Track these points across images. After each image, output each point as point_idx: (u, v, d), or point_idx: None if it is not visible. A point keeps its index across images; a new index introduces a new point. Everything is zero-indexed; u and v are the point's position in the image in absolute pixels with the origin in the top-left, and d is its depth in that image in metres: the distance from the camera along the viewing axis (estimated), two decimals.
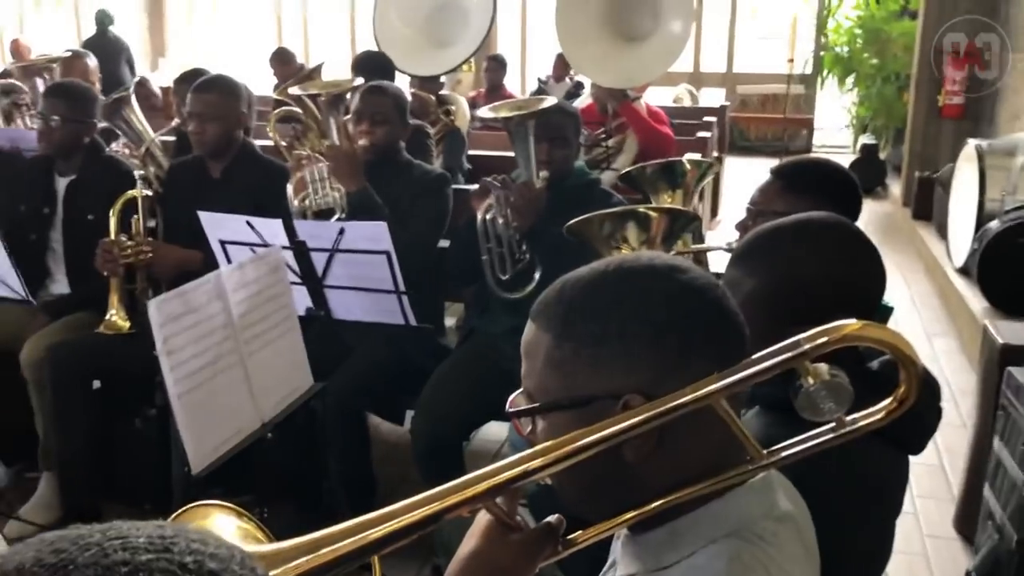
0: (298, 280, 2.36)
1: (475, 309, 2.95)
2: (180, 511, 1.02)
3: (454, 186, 3.75)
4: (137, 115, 4.05)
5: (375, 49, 4.56)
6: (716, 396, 0.88)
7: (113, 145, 3.95)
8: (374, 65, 4.07)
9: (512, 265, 2.75)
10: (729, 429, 0.91)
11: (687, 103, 8.39)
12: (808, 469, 1.00)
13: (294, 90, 3.26)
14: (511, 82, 10.40)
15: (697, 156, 4.51)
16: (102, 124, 3.94)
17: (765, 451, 0.93)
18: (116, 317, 2.93)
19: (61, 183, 3.27)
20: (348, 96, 3.10)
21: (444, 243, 3.06)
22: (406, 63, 4.63)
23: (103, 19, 9.31)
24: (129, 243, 2.97)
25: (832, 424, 0.93)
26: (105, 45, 8.09)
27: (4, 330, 3.08)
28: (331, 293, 2.39)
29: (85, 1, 11.96)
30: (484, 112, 2.88)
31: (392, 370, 2.84)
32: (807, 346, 0.87)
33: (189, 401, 1.75)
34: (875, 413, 0.91)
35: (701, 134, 5.71)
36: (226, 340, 1.86)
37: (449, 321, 3.94)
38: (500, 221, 2.72)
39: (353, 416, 2.73)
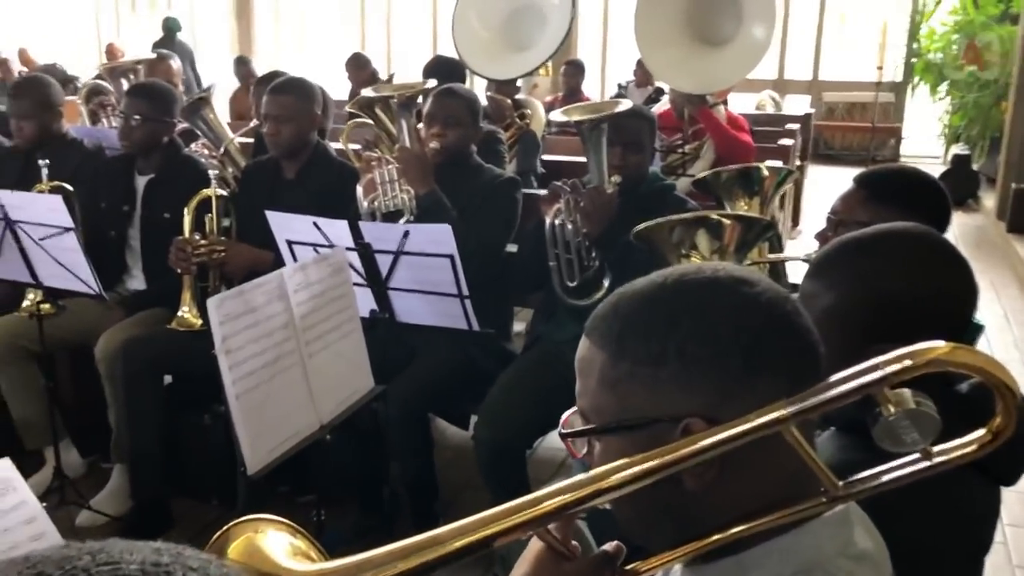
0: (363, 282, 2.34)
1: (542, 315, 2.90)
2: (233, 523, 0.99)
3: (526, 190, 3.71)
4: (216, 116, 4.12)
5: (447, 54, 4.54)
6: (784, 423, 0.80)
7: (192, 145, 4.02)
8: (445, 69, 4.06)
9: (580, 272, 2.69)
10: (800, 458, 0.83)
11: (770, 110, 8.20)
12: (888, 499, 0.91)
13: (367, 92, 3.26)
14: (591, 87, 10.34)
15: (777, 163, 4.39)
16: (182, 125, 4.03)
17: (841, 483, 0.85)
18: (188, 314, 2.96)
19: (140, 181, 3.33)
20: (420, 99, 3.09)
21: (512, 247, 3.02)
22: (483, 66, 4.62)
23: (172, 25, 9.82)
24: (202, 242, 3.00)
25: (916, 455, 0.84)
26: (172, 50, 8.41)
27: (82, 324, 3.14)
28: (395, 296, 2.37)
29: (178, 4, 12.33)
30: (556, 115, 2.83)
31: (456, 374, 2.80)
32: (887, 370, 0.78)
33: (247, 401, 1.73)
34: (966, 445, 0.82)
35: (783, 142, 5.56)
36: (286, 340, 1.84)
37: (518, 326, 3.90)
38: (569, 227, 2.67)
39: (416, 420, 2.70)
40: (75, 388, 3.43)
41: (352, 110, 3.55)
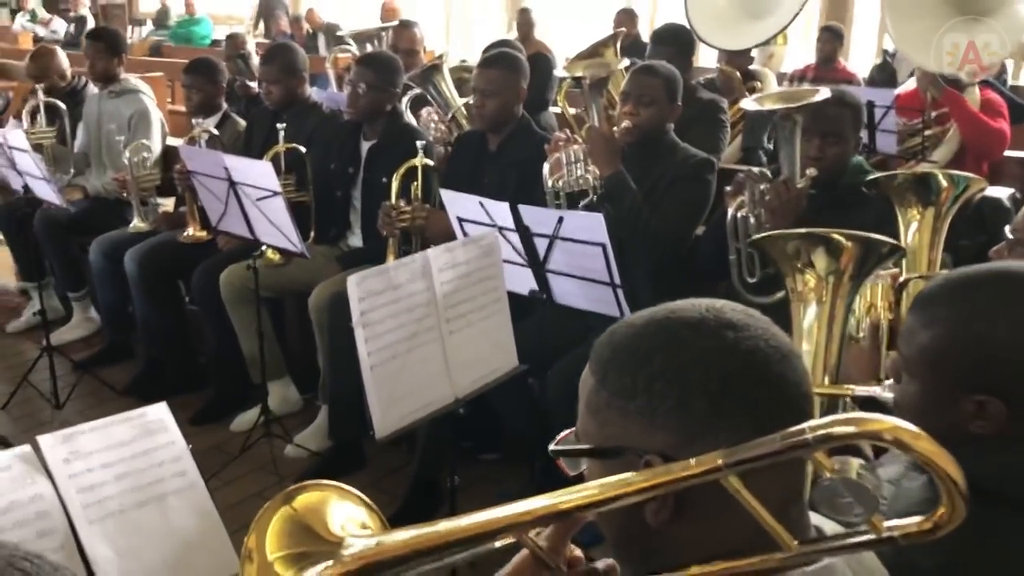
0: (523, 262, 2.41)
1: None
2: (311, 483, 1.12)
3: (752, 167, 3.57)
4: (447, 82, 4.32)
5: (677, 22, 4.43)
6: (722, 472, 0.80)
7: (424, 110, 4.24)
8: (672, 37, 3.98)
9: (761, 268, 2.59)
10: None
11: None
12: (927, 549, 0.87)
13: (560, 72, 3.29)
14: (864, 53, 9.63)
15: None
16: (415, 90, 4.28)
17: (796, 542, 0.82)
18: None
19: (365, 146, 3.59)
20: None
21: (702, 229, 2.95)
22: (714, 35, 4.46)
23: None
24: (407, 208, 3.20)
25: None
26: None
27: (304, 274, 3.47)
28: (552, 278, 2.42)
29: None
30: (748, 104, 2.72)
31: None
32: (810, 436, 0.76)
33: (381, 372, 1.86)
34: (909, 527, 0.78)
35: None
36: (427, 317, 1.95)
37: None
38: (752, 220, 2.57)
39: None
40: (300, 331, 3.80)
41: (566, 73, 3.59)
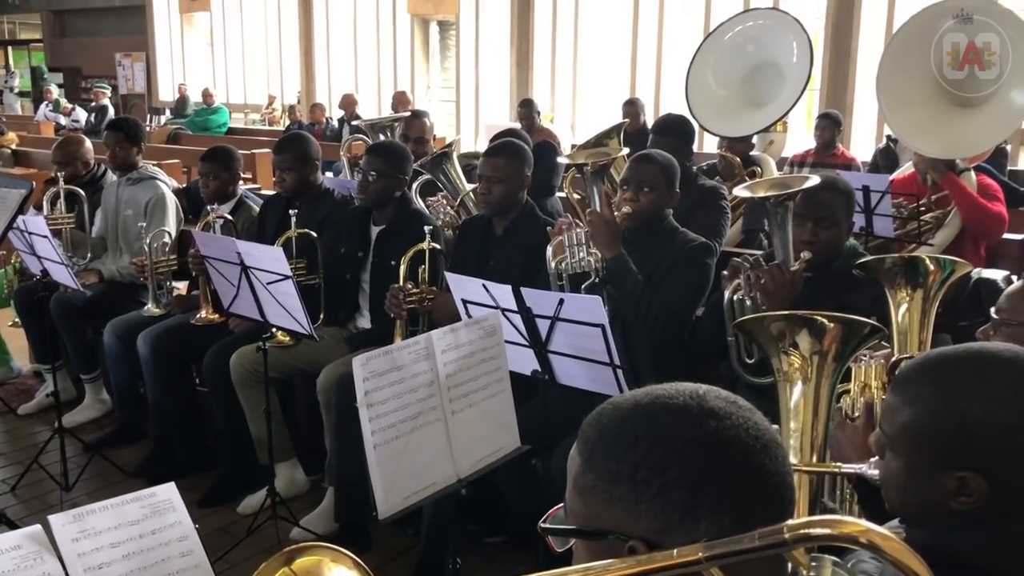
0: (525, 343, 2.47)
1: (722, 385, 2.86)
2: (317, 544, 1.18)
3: (752, 252, 3.65)
4: (456, 169, 4.45)
5: (677, 112, 4.57)
6: (702, 565, 0.82)
7: (437, 195, 4.35)
8: (673, 129, 4.10)
9: (759, 350, 2.64)
10: None
11: None
12: None
13: (562, 160, 3.40)
14: (864, 137, 9.82)
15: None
16: (425, 176, 4.40)
17: None
18: None
19: (374, 231, 3.69)
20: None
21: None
22: (715, 123, 4.61)
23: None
24: (414, 290, 3.27)
25: None
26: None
27: (314, 356, 3.53)
28: (554, 358, 2.47)
29: (466, 57, 13.24)
30: (740, 191, 2.81)
31: None
32: (787, 535, 0.79)
33: (384, 451, 1.90)
34: None
35: None
36: (430, 397, 1.99)
37: None
38: (748, 303, 2.63)
39: None
40: (308, 413, 3.83)
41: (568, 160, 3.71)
